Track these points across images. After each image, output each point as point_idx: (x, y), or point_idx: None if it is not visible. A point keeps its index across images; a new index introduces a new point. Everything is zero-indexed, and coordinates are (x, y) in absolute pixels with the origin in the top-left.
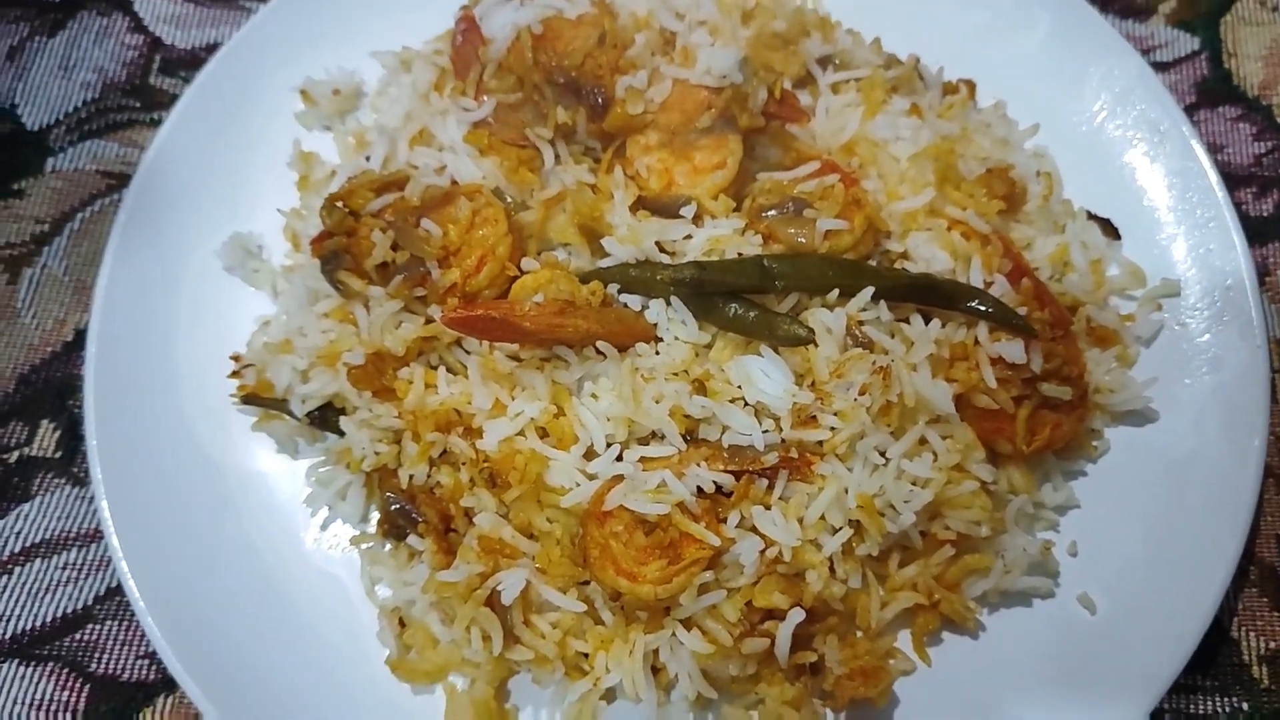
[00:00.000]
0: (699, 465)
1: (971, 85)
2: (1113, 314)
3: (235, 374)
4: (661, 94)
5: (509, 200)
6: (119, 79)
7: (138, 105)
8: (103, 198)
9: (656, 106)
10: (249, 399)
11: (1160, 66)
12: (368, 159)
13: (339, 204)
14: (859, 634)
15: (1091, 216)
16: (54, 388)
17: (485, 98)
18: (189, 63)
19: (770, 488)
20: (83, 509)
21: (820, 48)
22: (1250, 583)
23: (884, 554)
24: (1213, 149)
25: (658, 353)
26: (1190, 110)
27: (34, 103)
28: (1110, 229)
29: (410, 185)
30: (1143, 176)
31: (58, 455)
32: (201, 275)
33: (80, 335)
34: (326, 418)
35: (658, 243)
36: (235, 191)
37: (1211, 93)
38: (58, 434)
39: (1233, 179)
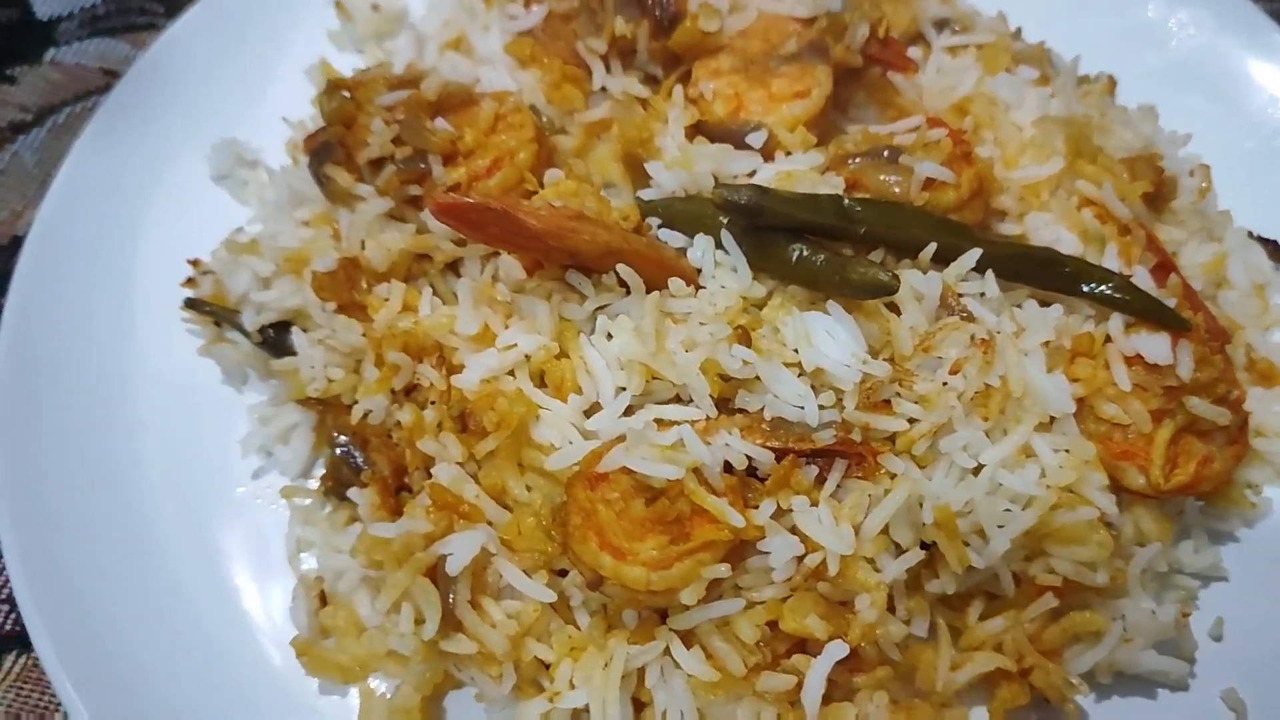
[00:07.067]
0: (729, 433)
1: (1112, 79)
2: None
3: (190, 281)
4: (742, 23)
5: (545, 119)
6: None
7: (160, 10)
8: (99, 94)
9: (734, 34)
10: (195, 304)
11: None
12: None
13: (344, 92)
14: (918, 700)
15: (1254, 237)
16: None
17: (535, 6)
18: None
19: (821, 479)
20: None
21: (937, 8)
22: None
23: (963, 597)
24: None
25: (696, 297)
26: None
27: None
28: (1278, 252)
29: (428, 80)
30: None
31: None
32: (183, 181)
33: None
34: (282, 341)
35: (714, 174)
36: (242, 99)
37: None
38: None
39: None
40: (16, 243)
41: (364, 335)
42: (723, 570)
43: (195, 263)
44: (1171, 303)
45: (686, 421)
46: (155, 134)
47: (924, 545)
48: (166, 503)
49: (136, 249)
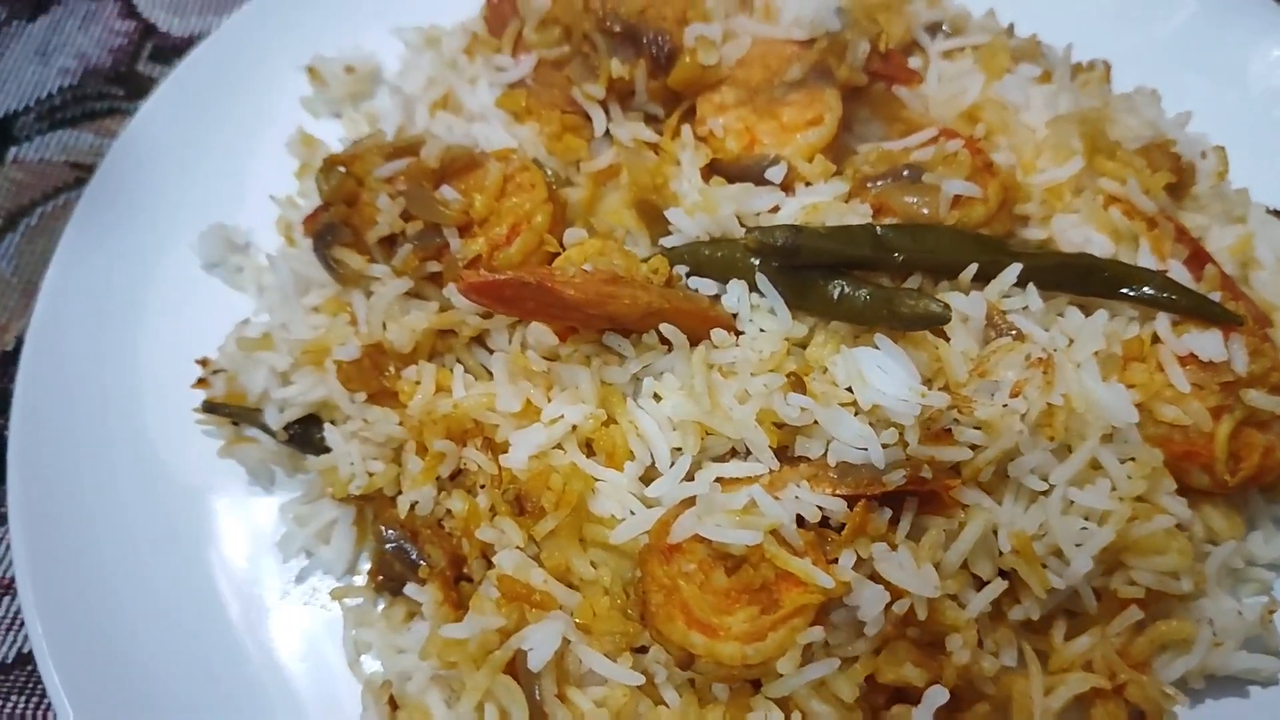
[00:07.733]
0: (798, 485)
1: (1108, 66)
2: None
3: (201, 382)
4: (738, 51)
5: (550, 173)
6: (103, 65)
7: (121, 93)
8: (69, 191)
9: (733, 64)
10: (212, 408)
11: None
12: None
13: (340, 167)
14: None
15: (1272, 212)
16: None
17: (524, 56)
18: (184, 50)
19: (895, 521)
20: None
21: (928, 13)
22: None
23: (1045, 620)
24: None
25: (738, 344)
26: None
27: (2, 88)
28: None
29: (428, 146)
30: None
31: None
32: (175, 275)
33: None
34: (309, 435)
35: (737, 215)
36: (223, 181)
37: None
38: None
39: None
40: (7, 359)
41: (400, 424)
42: (816, 635)
43: (204, 362)
44: (1215, 296)
45: (750, 481)
46: (138, 228)
47: (1002, 573)
48: (211, 619)
49: (138, 354)
